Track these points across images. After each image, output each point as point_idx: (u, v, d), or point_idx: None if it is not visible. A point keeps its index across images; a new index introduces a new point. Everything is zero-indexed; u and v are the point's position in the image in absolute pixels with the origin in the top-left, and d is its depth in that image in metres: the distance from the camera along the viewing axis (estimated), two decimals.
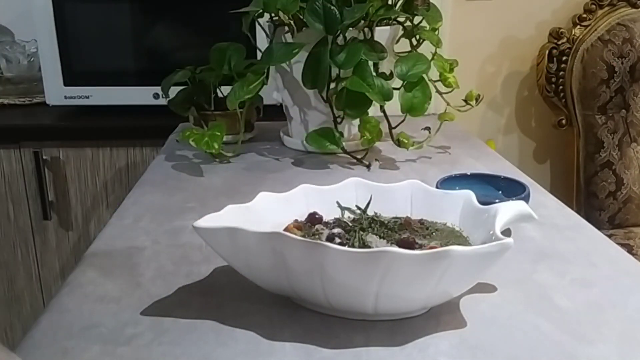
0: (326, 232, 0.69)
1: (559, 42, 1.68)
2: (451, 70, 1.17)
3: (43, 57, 1.60)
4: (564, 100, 1.71)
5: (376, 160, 1.16)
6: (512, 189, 0.89)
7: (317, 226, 0.71)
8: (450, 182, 0.92)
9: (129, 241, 0.83)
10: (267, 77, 1.15)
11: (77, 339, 0.62)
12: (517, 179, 0.91)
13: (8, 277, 1.68)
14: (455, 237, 0.70)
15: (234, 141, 1.20)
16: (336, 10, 1.07)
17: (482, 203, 0.72)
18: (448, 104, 1.18)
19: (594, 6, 1.69)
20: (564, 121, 1.72)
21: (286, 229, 0.69)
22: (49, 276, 1.69)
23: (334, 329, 0.62)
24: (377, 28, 1.14)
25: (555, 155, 1.83)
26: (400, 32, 1.20)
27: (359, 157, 1.15)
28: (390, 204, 0.75)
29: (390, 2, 1.15)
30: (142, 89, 1.61)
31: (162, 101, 1.35)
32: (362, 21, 1.12)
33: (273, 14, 1.16)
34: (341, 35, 1.10)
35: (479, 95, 1.19)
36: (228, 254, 0.65)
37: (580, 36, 1.68)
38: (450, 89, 1.17)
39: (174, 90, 1.25)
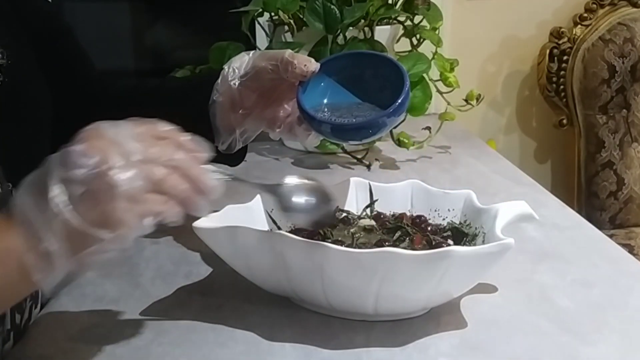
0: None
1: (560, 42, 1.68)
2: (452, 69, 1.16)
3: None
4: (564, 100, 1.71)
5: (376, 160, 1.16)
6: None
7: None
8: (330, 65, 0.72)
9: None
10: None
11: (76, 339, 0.61)
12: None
13: None
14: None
15: None
16: (336, 10, 1.07)
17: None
18: (448, 103, 1.18)
19: (594, 5, 1.68)
20: (564, 121, 1.72)
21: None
22: None
23: (334, 330, 0.62)
24: (377, 27, 1.14)
25: (556, 155, 1.82)
26: (401, 32, 1.20)
27: (359, 157, 1.15)
28: (391, 203, 0.75)
29: (390, 2, 1.15)
30: None
31: None
32: (362, 20, 1.11)
33: (273, 13, 1.16)
34: (341, 34, 1.09)
35: (479, 95, 1.18)
36: (228, 254, 0.65)
37: (581, 36, 1.67)
38: (450, 89, 1.17)
39: None
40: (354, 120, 0.67)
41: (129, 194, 0.47)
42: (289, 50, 0.70)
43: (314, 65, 0.69)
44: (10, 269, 0.47)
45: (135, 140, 0.50)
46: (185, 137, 0.53)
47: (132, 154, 0.48)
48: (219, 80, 0.74)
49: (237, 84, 0.73)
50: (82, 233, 0.47)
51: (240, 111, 0.74)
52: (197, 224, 0.63)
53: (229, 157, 0.79)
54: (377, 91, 0.70)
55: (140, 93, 0.85)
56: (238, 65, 0.73)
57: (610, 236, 0.91)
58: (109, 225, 0.47)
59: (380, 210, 0.75)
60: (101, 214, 0.47)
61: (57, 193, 0.46)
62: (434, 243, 0.66)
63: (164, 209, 0.50)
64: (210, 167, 0.54)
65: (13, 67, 0.68)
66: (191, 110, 0.75)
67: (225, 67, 0.74)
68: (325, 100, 0.71)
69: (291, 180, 0.64)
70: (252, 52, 0.74)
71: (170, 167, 0.50)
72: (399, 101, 0.65)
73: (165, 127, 0.53)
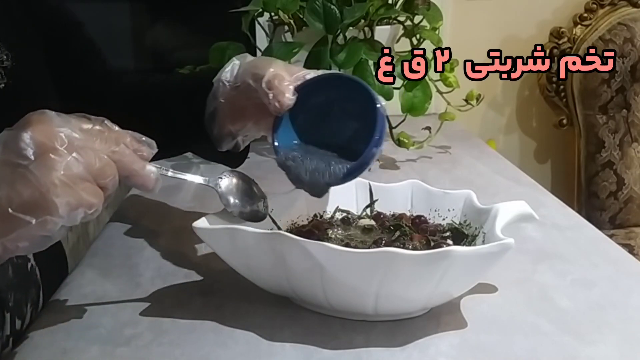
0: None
1: (560, 42, 1.68)
2: (452, 69, 1.16)
3: None
4: (564, 100, 1.71)
5: (376, 160, 1.16)
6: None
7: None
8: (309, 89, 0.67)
9: (128, 241, 0.83)
10: None
11: (76, 339, 0.61)
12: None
13: None
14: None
15: None
16: (336, 10, 1.07)
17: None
18: (449, 103, 1.18)
19: (594, 5, 1.69)
20: (564, 121, 1.72)
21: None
22: None
23: (334, 330, 0.62)
24: (377, 27, 1.14)
25: (556, 155, 1.82)
26: (401, 32, 1.20)
27: None
28: (391, 203, 0.75)
29: (390, 2, 1.15)
30: None
31: None
32: (362, 20, 1.11)
33: (273, 13, 1.16)
34: (341, 34, 1.09)
35: (479, 95, 1.18)
36: (228, 254, 0.65)
37: (581, 36, 1.67)
38: (450, 89, 1.17)
39: None
40: (327, 179, 0.65)
41: (65, 179, 0.47)
42: (270, 74, 0.65)
43: (286, 103, 0.65)
44: None
45: (80, 132, 0.49)
46: (131, 135, 0.54)
47: (75, 142, 0.48)
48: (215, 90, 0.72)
49: (228, 90, 0.71)
50: (9, 215, 0.46)
51: (237, 122, 0.73)
52: (197, 224, 0.63)
53: (230, 158, 0.79)
54: (352, 120, 0.66)
55: (145, 89, 0.85)
56: (229, 76, 0.71)
57: (610, 236, 0.91)
58: (38, 210, 0.46)
59: (380, 210, 0.75)
60: (32, 196, 0.46)
61: None
62: (432, 244, 0.66)
63: (97, 203, 0.49)
64: (152, 164, 0.55)
65: (18, 68, 0.68)
66: (195, 104, 0.75)
67: (220, 73, 0.72)
68: (296, 141, 0.69)
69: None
70: (241, 58, 0.71)
71: (111, 159, 0.50)
72: (367, 154, 0.62)
73: (112, 126, 0.53)
